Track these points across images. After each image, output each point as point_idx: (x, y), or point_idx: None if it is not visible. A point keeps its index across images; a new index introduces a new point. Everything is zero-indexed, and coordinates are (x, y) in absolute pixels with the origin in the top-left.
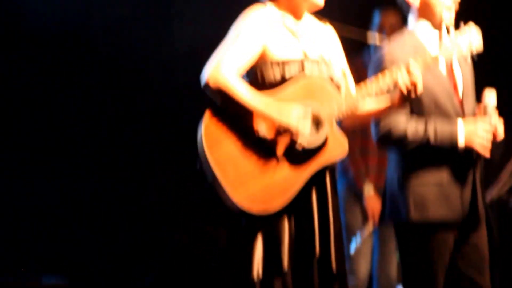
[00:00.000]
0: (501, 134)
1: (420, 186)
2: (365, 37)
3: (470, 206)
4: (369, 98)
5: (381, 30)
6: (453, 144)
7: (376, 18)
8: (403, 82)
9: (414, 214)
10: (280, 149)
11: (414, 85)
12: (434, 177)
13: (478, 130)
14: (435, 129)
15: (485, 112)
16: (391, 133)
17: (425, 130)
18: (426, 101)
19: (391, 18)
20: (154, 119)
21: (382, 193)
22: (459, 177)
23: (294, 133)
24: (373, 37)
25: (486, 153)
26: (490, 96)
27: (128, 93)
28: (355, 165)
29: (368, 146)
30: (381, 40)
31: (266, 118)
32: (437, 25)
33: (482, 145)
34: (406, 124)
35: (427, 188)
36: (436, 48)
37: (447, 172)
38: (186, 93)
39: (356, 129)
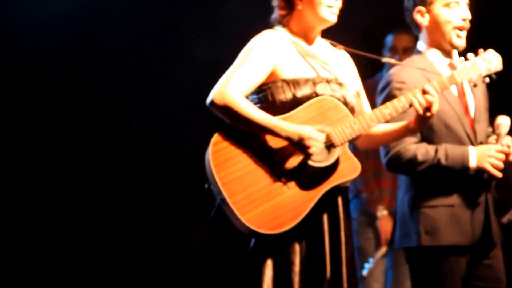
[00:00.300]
0: None
1: (431, 210)
2: (379, 59)
3: (483, 228)
4: (384, 120)
5: (394, 52)
6: (464, 165)
7: (389, 40)
8: (419, 103)
9: (425, 239)
10: (291, 168)
11: (430, 105)
12: (445, 201)
13: (489, 151)
14: (446, 150)
15: (498, 135)
16: (400, 155)
17: (436, 150)
18: (436, 123)
19: (404, 41)
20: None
21: (393, 217)
22: (471, 200)
23: (306, 138)
24: (386, 59)
25: (498, 174)
26: (504, 120)
27: (132, 113)
28: (368, 187)
29: (382, 169)
30: (394, 60)
31: (276, 133)
32: (447, 46)
33: (494, 165)
34: (416, 146)
35: (438, 212)
36: (447, 69)
37: (458, 195)
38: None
39: (369, 151)
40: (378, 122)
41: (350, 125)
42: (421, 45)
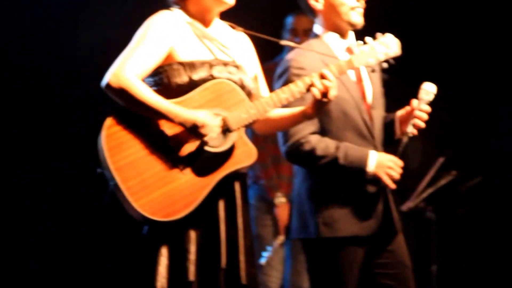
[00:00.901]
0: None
1: (329, 202)
2: (277, 42)
3: (382, 218)
4: (280, 105)
5: (294, 35)
6: (361, 168)
7: (290, 22)
8: (316, 88)
9: (323, 231)
10: (186, 153)
11: (327, 90)
12: (344, 192)
13: (389, 162)
14: (347, 149)
15: (419, 100)
16: (299, 146)
17: (337, 148)
18: (334, 110)
19: (305, 22)
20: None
21: (290, 206)
22: (370, 192)
23: (200, 126)
24: (285, 42)
25: (392, 185)
26: (428, 87)
27: (29, 95)
28: (266, 174)
29: (281, 154)
30: (294, 43)
31: (170, 119)
32: (345, 26)
33: (390, 176)
34: (317, 140)
35: (336, 203)
36: (345, 53)
37: (357, 187)
38: (89, 98)
39: (268, 136)
40: (275, 106)
41: (246, 109)
42: (317, 28)
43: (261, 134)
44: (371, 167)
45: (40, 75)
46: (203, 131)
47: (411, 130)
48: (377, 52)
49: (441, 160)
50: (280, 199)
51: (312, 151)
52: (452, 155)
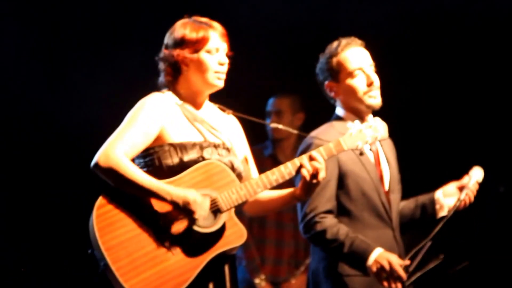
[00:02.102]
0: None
1: (346, 279)
2: (266, 124)
3: None
4: (270, 186)
5: (277, 116)
6: (362, 261)
7: (268, 105)
8: (306, 169)
9: None
10: (176, 234)
11: (317, 172)
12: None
13: (389, 264)
14: (354, 239)
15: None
16: (313, 226)
17: (346, 235)
18: (354, 190)
19: (277, 104)
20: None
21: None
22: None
23: (192, 203)
24: (274, 125)
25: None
26: (477, 173)
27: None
28: (248, 255)
29: (266, 236)
30: (279, 126)
31: (161, 197)
32: (364, 109)
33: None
34: (331, 223)
35: (353, 281)
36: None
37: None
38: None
39: (253, 217)
40: (264, 188)
41: (236, 190)
42: (339, 110)
43: (248, 215)
44: (370, 261)
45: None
46: (193, 207)
47: (463, 197)
48: (365, 135)
49: (428, 243)
50: (261, 282)
51: (322, 233)
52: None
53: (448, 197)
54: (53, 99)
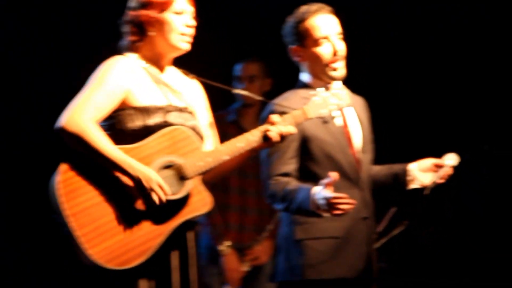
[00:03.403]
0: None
1: (315, 242)
2: (229, 90)
3: (365, 260)
4: (237, 154)
5: (240, 81)
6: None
7: (237, 70)
8: (274, 132)
9: (309, 273)
10: (140, 202)
11: (285, 135)
12: (330, 232)
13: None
14: (296, 193)
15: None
16: (268, 188)
17: (290, 192)
18: (318, 153)
19: (250, 69)
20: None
21: (274, 251)
22: (354, 234)
23: (154, 184)
24: (238, 91)
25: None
26: (451, 157)
27: None
28: (212, 222)
29: (229, 202)
30: (243, 92)
31: (126, 169)
32: (326, 79)
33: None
34: (279, 183)
35: (322, 244)
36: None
37: (342, 229)
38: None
39: (216, 183)
40: (231, 155)
41: (202, 157)
42: (304, 76)
43: (205, 181)
44: (312, 207)
45: None
46: (156, 190)
47: (438, 180)
48: (329, 103)
49: (393, 210)
50: (226, 248)
51: (274, 195)
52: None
53: (422, 171)
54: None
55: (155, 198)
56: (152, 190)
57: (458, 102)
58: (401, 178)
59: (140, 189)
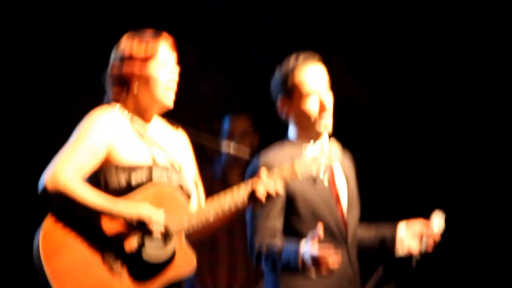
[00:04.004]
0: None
1: None
2: (217, 144)
3: None
4: (223, 213)
5: (231, 136)
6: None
7: (226, 124)
8: (260, 192)
9: None
10: (124, 257)
11: (274, 194)
12: None
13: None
14: (281, 250)
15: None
16: (253, 248)
17: (279, 247)
18: (304, 212)
19: (241, 124)
20: None
21: None
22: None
23: (147, 222)
24: (225, 145)
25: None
26: (438, 219)
27: None
28: (201, 281)
29: (217, 261)
30: (233, 147)
31: (114, 217)
32: (313, 134)
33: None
34: (266, 242)
35: None
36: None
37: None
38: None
39: (204, 242)
40: (217, 214)
41: (187, 216)
42: (291, 131)
43: (191, 240)
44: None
45: None
46: (150, 227)
47: (424, 248)
48: (320, 163)
49: (380, 270)
50: None
51: (260, 253)
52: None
53: (410, 237)
54: None
55: (156, 232)
56: (150, 221)
57: (444, 156)
58: (388, 244)
59: (137, 226)
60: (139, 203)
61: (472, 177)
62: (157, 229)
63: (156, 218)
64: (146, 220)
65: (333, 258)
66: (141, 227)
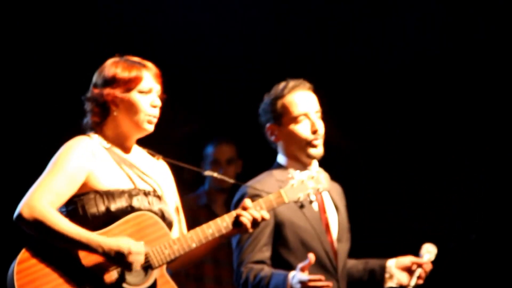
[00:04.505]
0: None
1: None
2: (199, 172)
3: None
4: (205, 241)
5: (217, 165)
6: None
7: (210, 153)
8: (246, 218)
9: None
10: (112, 276)
11: (258, 220)
12: None
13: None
14: (271, 275)
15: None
16: (240, 277)
17: (265, 275)
18: (292, 240)
19: (227, 152)
20: None
21: None
22: None
23: (127, 255)
24: (209, 173)
25: None
26: (429, 250)
27: None
28: None
29: None
30: (218, 174)
31: (93, 248)
32: (305, 159)
33: None
34: (254, 270)
35: None
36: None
37: None
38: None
39: (189, 272)
40: (199, 243)
41: (169, 245)
42: (280, 158)
43: (171, 271)
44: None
45: None
46: (129, 259)
47: (415, 282)
48: (307, 187)
49: None
50: None
51: (246, 281)
52: None
53: (400, 270)
54: None
55: (136, 263)
56: (130, 253)
57: (435, 189)
58: (378, 275)
59: (116, 258)
60: (119, 238)
61: (472, 177)
62: (137, 260)
63: (136, 249)
64: (126, 251)
65: (322, 283)
66: (120, 259)
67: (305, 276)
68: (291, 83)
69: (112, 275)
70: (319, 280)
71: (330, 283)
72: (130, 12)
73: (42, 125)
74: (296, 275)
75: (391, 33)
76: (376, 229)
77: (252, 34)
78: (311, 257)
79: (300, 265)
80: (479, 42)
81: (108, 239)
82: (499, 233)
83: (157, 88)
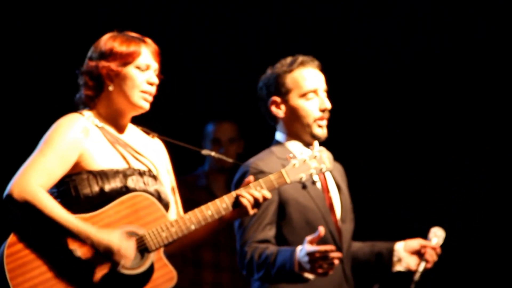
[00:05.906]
0: None
1: None
2: (199, 151)
3: None
4: (205, 223)
5: (218, 145)
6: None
7: (210, 131)
8: (247, 199)
9: None
10: (98, 276)
11: (259, 200)
12: None
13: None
14: (276, 255)
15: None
16: (243, 256)
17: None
18: (296, 219)
19: (229, 131)
20: None
21: None
22: None
23: (115, 253)
24: (207, 152)
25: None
26: (437, 234)
27: None
28: None
29: (202, 278)
30: (217, 153)
31: (82, 239)
32: (308, 138)
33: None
34: (259, 249)
35: None
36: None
37: None
38: None
39: (187, 257)
40: (198, 224)
41: (166, 227)
42: (279, 135)
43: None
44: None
45: None
46: (117, 258)
47: (423, 267)
48: (309, 167)
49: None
50: None
51: (251, 261)
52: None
53: (408, 253)
54: None
55: (121, 265)
56: (119, 253)
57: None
58: (385, 258)
59: (103, 257)
60: (111, 229)
61: (472, 177)
62: (124, 261)
63: (126, 251)
64: (115, 250)
65: (333, 254)
66: (107, 256)
67: (313, 247)
68: (301, 58)
69: (106, 261)
70: (328, 251)
71: (339, 254)
72: (130, 12)
73: (33, 103)
74: (303, 248)
75: (391, 33)
76: (376, 229)
77: (252, 34)
78: (321, 229)
79: (308, 238)
80: (479, 42)
81: (100, 231)
82: (499, 233)
83: (155, 66)
